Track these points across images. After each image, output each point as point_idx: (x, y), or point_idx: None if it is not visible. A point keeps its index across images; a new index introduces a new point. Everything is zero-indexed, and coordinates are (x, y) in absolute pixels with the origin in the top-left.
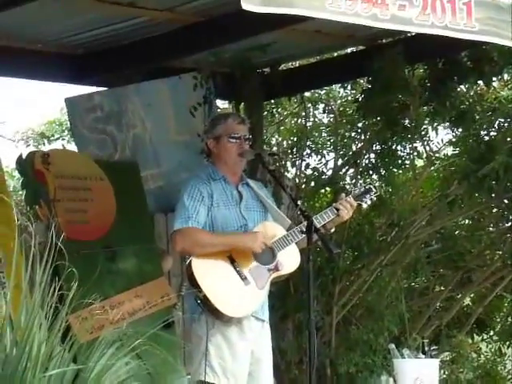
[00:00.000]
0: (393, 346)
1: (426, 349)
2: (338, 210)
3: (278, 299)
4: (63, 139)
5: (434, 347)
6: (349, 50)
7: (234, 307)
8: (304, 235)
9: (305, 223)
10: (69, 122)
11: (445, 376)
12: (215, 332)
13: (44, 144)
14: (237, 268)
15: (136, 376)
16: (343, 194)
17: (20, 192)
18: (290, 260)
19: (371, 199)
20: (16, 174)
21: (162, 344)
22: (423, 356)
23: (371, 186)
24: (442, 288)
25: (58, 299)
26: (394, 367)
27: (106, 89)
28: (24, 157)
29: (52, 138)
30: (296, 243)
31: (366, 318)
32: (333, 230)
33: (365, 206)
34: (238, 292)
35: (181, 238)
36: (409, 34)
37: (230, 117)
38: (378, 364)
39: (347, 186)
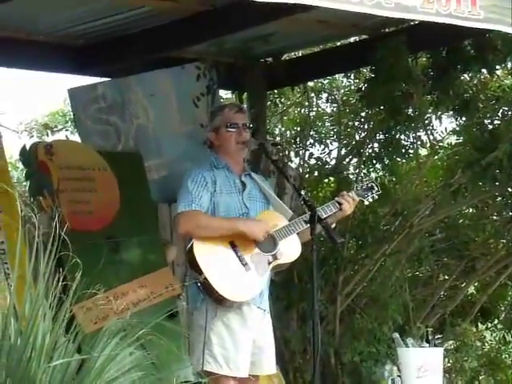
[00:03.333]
0: (397, 335)
1: (430, 337)
2: (340, 204)
3: (282, 289)
4: (67, 130)
5: (438, 336)
6: (352, 40)
7: (235, 291)
8: (307, 225)
9: (308, 213)
10: (72, 113)
11: (449, 364)
12: (217, 321)
13: (47, 135)
14: (238, 253)
15: (140, 366)
16: (345, 192)
17: (24, 183)
18: (290, 250)
19: (373, 197)
20: (20, 165)
21: (166, 334)
22: (427, 345)
23: (373, 184)
24: (446, 277)
25: (62, 290)
26: (398, 356)
27: (108, 79)
28: (28, 148)
29: (55, 129)
30: (299, 235)
31: (370, 308)
32: (333, 226)
33: (366, 202)
34: (238, 277)
35: (184, 220)
36: (412, 23)
37: (227, 107)
38: (382, 353)
39: (351, 176)
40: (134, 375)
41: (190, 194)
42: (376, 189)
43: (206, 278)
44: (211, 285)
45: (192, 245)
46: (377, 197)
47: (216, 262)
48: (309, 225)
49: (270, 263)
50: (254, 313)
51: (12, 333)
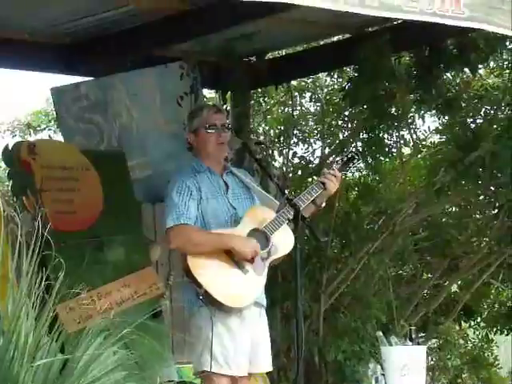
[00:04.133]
0: (380, 333)
1: (414, 336)
2: (323, 183)
3: (265, 287)
4: (49, 129)
5: (422, 334)
6: (335, 39)
7: (236, 298)
8: (291, 223)
9: (288, 208)
10: (55, 112)
11: (432, 363)
12: (216, 321)
13: (30, 134)
14: (234, 258)
15: (124, 365)
16: (325, 169)
17: (6, 182)
18: (284, 241)
19: (356, 167)
20: (2, 164)
21: (150, 333)
22: (411, 343)
23: (353, 154)
24: (430, 275)
25: (45, 289)
26: (381, 354)
27: (92, 78)
28: (10, 147)
29: (38, 129)
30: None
31: (353, 306)
32: (324, 205)
33: (350, 175)
34: (238, 282)
35: (174, 236)
36: (395, 23)
37: (205, 108)
38: (365, 351)
39: None
40: (117, 375)
41: (176, 207)
42: (357, 158)
43: (206, 291)
44: (212, 296)
45: (186, 257)
46: (361, 165)
47: (213, 271)
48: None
49: (266, 260)
50: (252, 311)
51: None
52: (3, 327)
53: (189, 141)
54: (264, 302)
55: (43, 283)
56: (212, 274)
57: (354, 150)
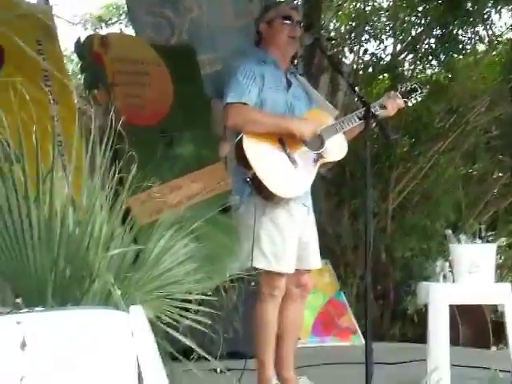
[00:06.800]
0: (449, 231)
1: (483, 234)
2: (385, 106)
3: (333, 186)
4: (121, 23)
5: (491, 233)
6: None
7: (283, 187)
8: (356, 123)
9: (361, 110)
10: (126, 6)
11: (501, 261)
12: (265, 218)
13: (101, 28)
14: (287, 150)
15: (194, 257)
16: (392, 92)
17: (78, 76)
18: (337, 148)
19: (415, 98)
20: (75, 57)
21: (220, 228)
22: (480, 241)
23: (417, 86)
24: (500, 174)
25: (118, 182)
26: (450, 252)
27: None
28: (82, 40)
29: (109, 22)
30: (345, 133)
31: (422, 205)
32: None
33: (410, 104)
34: (287, 173)
35: (233, 112)
36: None
37: (283, 2)
38: (433, 249)
39: (405, 72)
40: (188, 266)
41: (240, 86)
42: (419, 91)
43: (255, 174)
44: (260, 181)
45: (241, 139)
46: (419, 99)
47: (265, 158)
48: (360, 121)
49: (316, 161)
50: (300, 210)
51: (70, 222)
52: (79, 218)
53: (261, 31)
54: (310, 204)
55: (116, 176)
56: (263, 160)
57: (417, 85)
